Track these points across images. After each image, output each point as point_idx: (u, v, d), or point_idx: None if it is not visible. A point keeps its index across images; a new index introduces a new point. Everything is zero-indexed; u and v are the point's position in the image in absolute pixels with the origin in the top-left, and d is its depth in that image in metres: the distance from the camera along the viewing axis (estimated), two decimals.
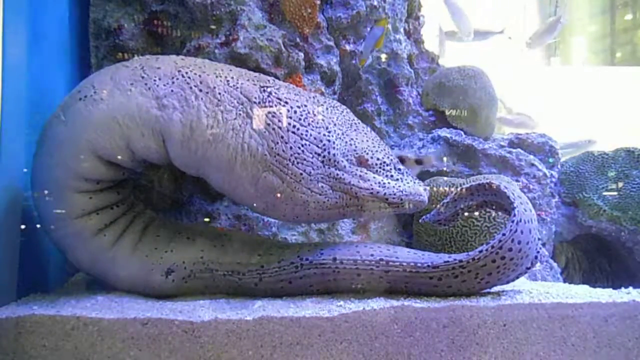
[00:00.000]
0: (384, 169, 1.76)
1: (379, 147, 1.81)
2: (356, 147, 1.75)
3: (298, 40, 2.41)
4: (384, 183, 1.73)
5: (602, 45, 5.59)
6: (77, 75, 2.12)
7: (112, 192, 1.77)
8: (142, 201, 1.98)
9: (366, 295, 1.64)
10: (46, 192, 1.64)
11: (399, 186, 1.74)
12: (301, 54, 2.38)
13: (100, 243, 1.71)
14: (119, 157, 1.66)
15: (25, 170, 1.67)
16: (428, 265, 1.63)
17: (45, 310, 1.46)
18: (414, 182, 1.81)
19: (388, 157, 1.80)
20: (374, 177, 1.73)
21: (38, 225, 1.71)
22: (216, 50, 2.21)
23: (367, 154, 1.75)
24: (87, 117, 1.61)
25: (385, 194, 1.71)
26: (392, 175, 1.77)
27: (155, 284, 1.72)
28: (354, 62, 2.71)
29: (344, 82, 2.71)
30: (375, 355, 1.47)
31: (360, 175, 1.71)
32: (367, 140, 1.80)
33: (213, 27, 2.27)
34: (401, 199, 1.73)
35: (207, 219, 2.31)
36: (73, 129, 1.61)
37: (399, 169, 1.81)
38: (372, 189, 1.71)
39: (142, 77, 1.66)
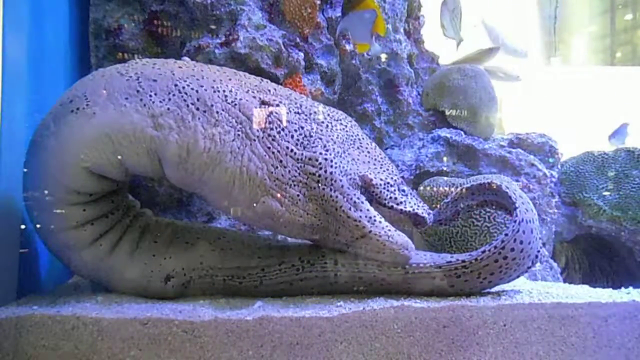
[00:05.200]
0: (387, 190, 1.69)
1: (382, 165, 1.74)
2: (359, 167, 1.68)
3: (298, 40, 2.41)
4: (375, 220, 1.63)
5: (602, 45, 5.58)
6: (77, 76, 2.12)
7: (106, 200, 1.72)
8: (141, 201, 1.97)
9: (366, 295, 1.63)
10: (38, 203, 1.61)
11: (389, 230, 1.63)
12: (301, 54, 2.38)
13: (97, 252, 1.68)
14: (112, 172, 1.61)
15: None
16: (430, 266, 1.63)
17: (45, 310, 1.45)
18: (419, 206, 1.74)
19: (392, 177, 1.73)
20: (368, 210, 1.63)
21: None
22: (216, 50, 2.21)
23: (371, 174, 1.68)
24: (79, 132, 1.55)
25: (370, 231, 1.61)
26: (395, 197, 1.70)
27: (154, 290, 1.70)
28: (354, 62, 2.71)
29: (344, 82, 2.71)
30: (375, 355, 1.47)
31: (354, 202, 1.62)
32: (371, 159, 1.73)
33: (213, 27, 2.27)
34: (384, 244, 1.61)
35: (206, 219, 2.31)
36: (64, 142, 1.56)
37: (403, 190, 1.74)
38: (360, 221, 1.60)
39: (138, 91, 1.58)
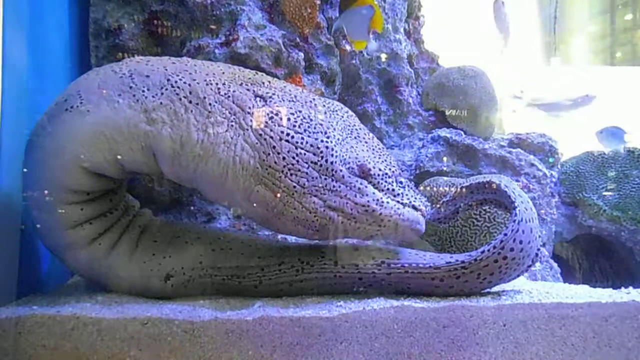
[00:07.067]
0: (385, 181, 1.66)
1: (380, 156, 1.72)
2: (357, 155, 1.65)
3: (298, 40, 2.41)
4: (383, 201, 1.60)
5: (602, 45, 5.58)
6: (77, 76, 2.11)
7: (105, 199, 1.72)
8: (141, 201, 1.97)
9: (366, 295, 1.63)
10: (36, 203, 1.60)
11: (398, 208, 1.62)
12: (301, 54, 2.38)
13: (96, 252, 1.68)
14: (108, 170, 1.61)
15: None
16: (430, 266, 1.63)
17: (45, 310, 1.45)
18: (416, 198, 1.71)
19: (390, 168, 1.70)
20: (374, 193, 1.61)
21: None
22: (216, 50, 2.21)
23: (369, 163, 1.65)
24: (73, 130, 1.56)
25: (381, 213, 1.59)
26: (393, 189, 1.66)
27: (154, 289, 1.71)
28: (354, 62, 2.71)
29: (344, 82, 2.71)
30: (375, 355, 1.47)
31: (358, 188, 1.60)
32: (369, 149, 1.71)
33: (213, 27, 2.28)
34: (397, 224, 1.60)
35: (206, 219, 2.31)
36: (59, 141, 1.56)
37: (401, 182, 1.71)
38: (369, 205, 1.58)
39: (131, 87, 1.58)
